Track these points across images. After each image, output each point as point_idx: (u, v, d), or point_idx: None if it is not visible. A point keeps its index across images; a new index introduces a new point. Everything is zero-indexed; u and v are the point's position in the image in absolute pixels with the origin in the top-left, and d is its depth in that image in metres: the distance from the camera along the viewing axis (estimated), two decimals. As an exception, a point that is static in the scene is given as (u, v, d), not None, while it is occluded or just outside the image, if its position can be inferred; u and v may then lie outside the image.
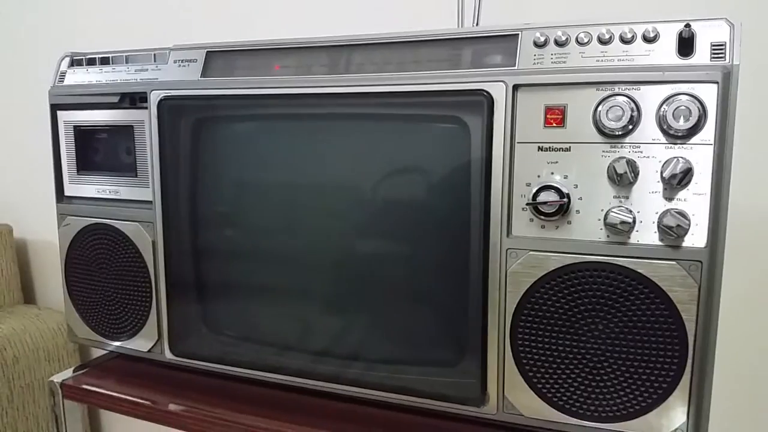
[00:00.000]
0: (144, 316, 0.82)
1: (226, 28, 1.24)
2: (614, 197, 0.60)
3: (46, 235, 1.58)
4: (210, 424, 0.75)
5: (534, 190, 0.62)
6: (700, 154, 0.58)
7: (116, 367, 0.88)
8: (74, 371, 0.87)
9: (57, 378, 0.84)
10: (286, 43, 0.75)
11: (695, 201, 0.58)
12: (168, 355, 0.82)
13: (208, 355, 0.80)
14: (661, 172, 0.58)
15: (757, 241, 0.92)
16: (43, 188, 1.37)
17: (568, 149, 0.61)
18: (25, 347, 1.41)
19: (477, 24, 0.89)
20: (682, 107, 0.57)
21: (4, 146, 1.58)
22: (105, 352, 0.90)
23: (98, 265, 0.84)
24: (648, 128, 0.59)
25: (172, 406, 0.78)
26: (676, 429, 0.61)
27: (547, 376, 0.64)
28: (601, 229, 0.61)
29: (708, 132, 0.57)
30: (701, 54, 0.58)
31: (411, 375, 0.71)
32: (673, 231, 0.58)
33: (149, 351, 0.83)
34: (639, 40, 0.60)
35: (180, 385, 0.82)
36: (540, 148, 0.62)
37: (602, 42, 0.61)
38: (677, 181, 0.57)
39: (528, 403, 0.65)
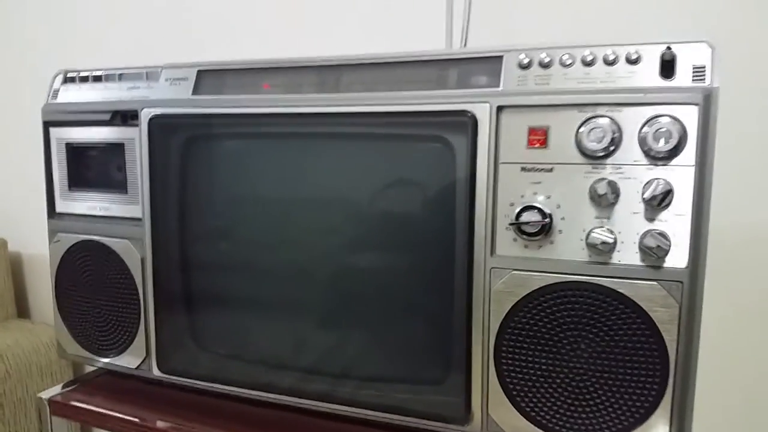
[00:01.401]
0: (132, 333, 0.82)
1: (218, 47, 1.25)
2: (596, 218, 0.61)
3: (40, 249, 1.58)
4: (196, 442, 0.75)
5: (517, 210, 0.63)
6: (680, 175, 0.58)
7: (105, 384, 0.88)
8: (63, 387, 0.87)
9: (45, 395, 0.84)
10: (277, 62, 0.75)
11: (676, 222, 0.59)
12: (156, 372, 0.82)
13: (196, 373, 0.80)
14: (642, 193, 0.59)
15: (740, 262, 0.92)
16: (39, 203, 1.38)
17: (550, 170, 0.62)
18: (17, 362, 1.41)
19: (465, 45, 0.90)
20: (663, 129, 0.58)
21: (0, 161, 1.59)
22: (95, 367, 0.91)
23: (88, 281, 0.85)
24: (629, 149, 0.59)
25: (160, 423, 0.78)
26: (659, 448, 0.61)
27: (530, 394, 0.65)
28: (583, 249, 0.61)
29: (689, 154, 0.58)
30: (683, 76, 0.59)
31: (397, 393, 0.71)
32: (653, 252, 0.58)
33: (137, 368, 0.83)
34: (622, 61, 0.61)
35: (168, 403, 0.82)
36: (523, 169, 0.63)
37: (585, 64, 0.62)
38: (657, 202, 0.58)
39: (511, 422, 0.66)
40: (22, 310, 1.63)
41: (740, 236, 0.92)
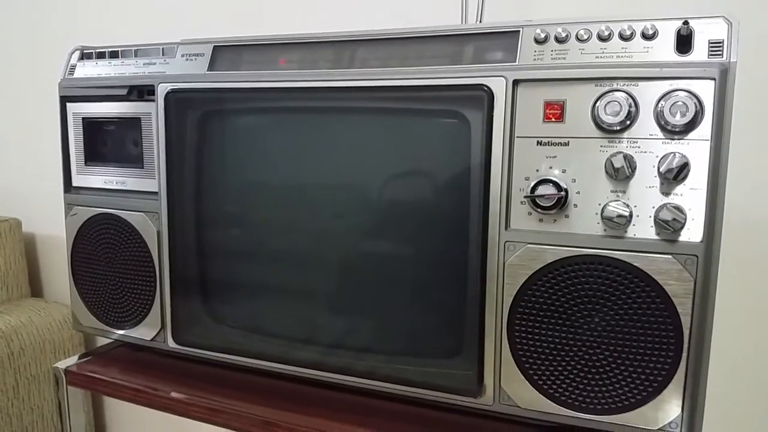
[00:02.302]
0: (148, 305, 0.83)
1: (234, 23, 1.26)
2: (611, 191, 0.61)
3: (54, 229, 1.59)
4: (211, 412, 0.76)
5: (532, 184, 0.63)
6: (696, 149, 0.58)
7: (120, 356, 0.89)
8: (78, 358, 0.88)
9: (61, 364, 0.86)
10: (292, 38, 0.76)
11: (691, 196, 0.59)
12: (171, 343, 0.83)
13: (210, 345, 0.81)
14: (658, 167, 0.59)
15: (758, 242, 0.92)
16: (52, 184, 1.39)
17: (566, 144, 0.62)
18: (31, 339, 1.42)
19: (480, 21, 0.90)
20: (680, 103, 0.58)
21: (14, 143, 1.60)
22: (109, 341, 0.92)
23: (104, 254, 0.86)
24: (646, 124, 0.60)
25: (174, 394, 0.79)
26: (671, 422, 0.62)
27: (543, 367, 0.65)
28: (599, 223, 0.62)
29: (705, 128, 0.58)
30: (699, 51, 0.59)
31: (411, 366, 0.72)
32: (669, 225, 0.58)
33: (152, 339, 0.84)
34: (638, 37, 0.61)
35: (182, 374, 0.83)
36: (539, 143, 0.63)
37: (602, 39, 0.62)
38: (673, 176, 0.58)
39: (524, 395, 0.66)
40: (36, 289, 1.65)
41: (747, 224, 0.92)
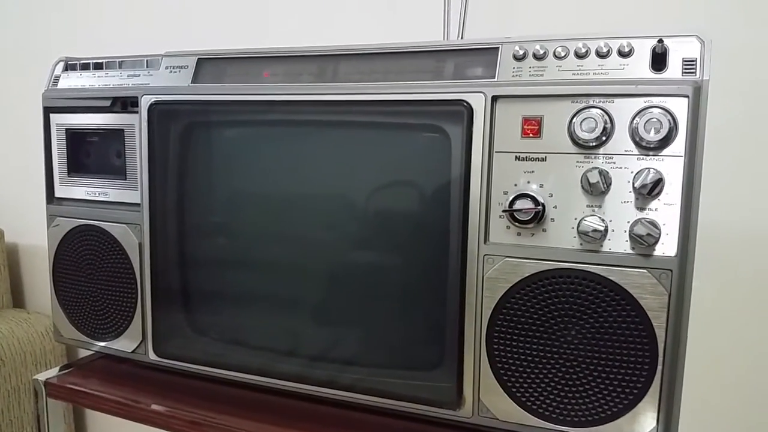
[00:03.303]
0: (129, 317, 0.83)
1: (218, 37, 1.26)
2: (587, 206, 0.62)
3: (36, 240, 1.58)
4: (192, 425, 0.76)
5: (510, 198, 0.64)
6: (670, 165, 0.59)
7: (101, 368, 0.89)
8: (59, 370, 0.88)
9: (41, 376, 0.85)
10: (276, 51, 0.77)
11: (666, 211, 0.60)
12: (152, 356, 0.83)
13: (191, 357, 0.81)
14: (633, 183, 0.60)
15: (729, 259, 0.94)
16: (35, 194, 1.38)
17: (544, 159, 0.63)
18: (12, 350, 1.41)
19: (462, 37, 0.92)
20: (654, 120, 0.59)
21: (-2, 151, 1.60)
22: (91, 353, 0.91)
23: (85, 265, 0.85)
24: (621, 140, 0.61)
25: (155, 406, 0.79)
26: (646, 434, 0.62)
27: (521, 380, 0.66)
28: (575, 237, 0.63)
29: (678, 144, 0.59)
30: (673, 69, 0.60)
31: (392, 379, 0.72)
32: (643, 240, 0.59)
33: (133, 351, 0.84)
34: (614, 54, 0.62)
35: (163, 386, 0.83)
36: (517, 158, 0.64)
37: (579, 56, 0.63)
38: (648, 191, 0.59)
39: (502, 407, 0.67)
40: (18, 300, 1.64)
41: (727, 234, 0.93)
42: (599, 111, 0.61)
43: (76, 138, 0.86)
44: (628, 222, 0.61)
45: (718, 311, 0.95)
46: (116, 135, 0.83)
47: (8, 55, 1.55)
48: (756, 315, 0.94)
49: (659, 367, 0.61)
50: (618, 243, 0.61)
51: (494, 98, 0.64)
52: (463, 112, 0.65)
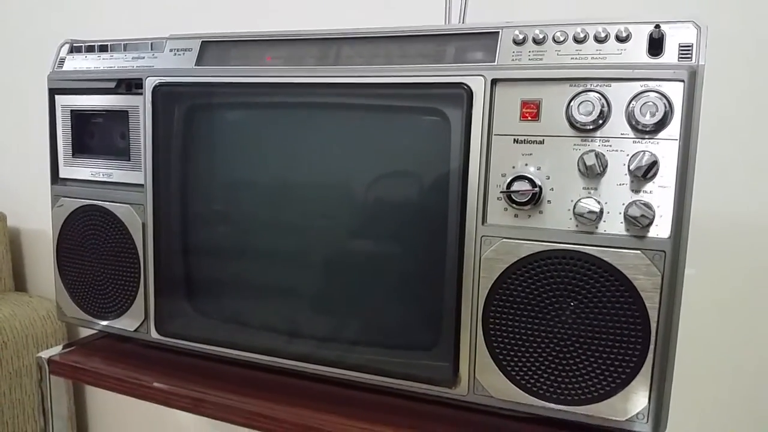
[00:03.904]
0: (132, 296, 0.84)
1: (222, 20, 1.27)
2: (584, 188, 0.63)
3: (39, 224, 1.60)
4: (194, 401, 0.77)
5: (508, 180, 0.65)
6: (665, 148, 0.61)
7: (103, 346, 0.90)
8: (62, 349, 0.89)
9: (44, 354, 0.86)
10: (279, 35, 0.78)
11: (660, 193, 0.61)
12: (154, 334, 0.84)
13: (193, 336, 0.82)
14: (629, 165, 0.61)
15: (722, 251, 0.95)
16: (38, 178, 1.40)
17: (541, 142, 0.64)
18: (14, 333, 1.42)
19: (463, 21, 0.93)
20: (650, 103, 0.60)
21: (0, 137, 1.61)
22: (93, 333, 0.93)
23: (89, 245, 0.87)
24: (617, 123, 0.62)
25: (157, 384, 0.80)
26: (638, 413, 0.64)
27: (516, 359, 0.67)
28: (571, 219, 0.64)
29: (674, 128, 0.60)
30: (670, 54, 0.61)
31: (389, 358, 0.73)
32: (637, 221, 0.61)
33: (135, 330, 0.85)
34: (612, 39, 0.63)
35: (165, 365, 0.84)
36: (515, 141, 0.65)
37: (577, 41, 0.64)
38: (643, 173, 0.60)
39: (497, 385, 0.68)
40: (20, 283, 1.65)
41: (721, 223, 0.94)
42: (596, 95, 0.62)
43: (80, 119, 0.87)
44: (623, 204, 0.62)
45: (711, 299, 0.96)
46: (120, 116, 0.84)
47: (8, 39, 1.56)
48: (749, 303, 0.95)
49: (651, 347, 0.62)
50: (613, 225, 0.62)
51: (494, 81, 0.65)
52: (463, 95, 0.66)
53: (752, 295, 0.95)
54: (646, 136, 0.61)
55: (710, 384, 0.98)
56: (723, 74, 0.85)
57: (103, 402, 1.58)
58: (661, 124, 0.60)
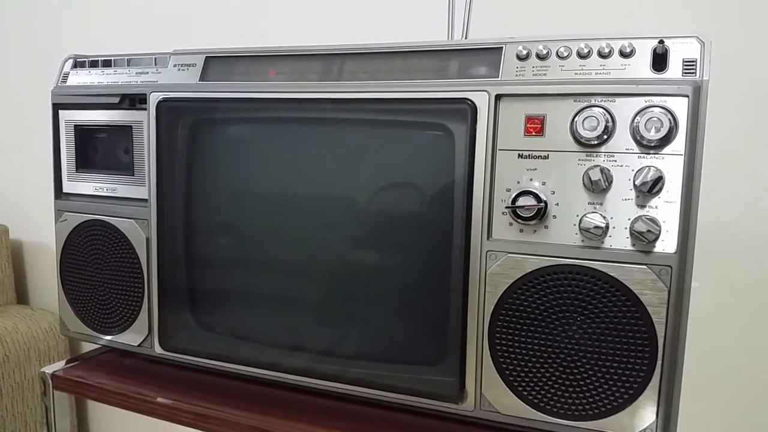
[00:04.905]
0: (135, 311, 0.84)
1: (225, 35, 1.28)
2: (589, 203, 0.63)
3: (41, 237, 1.60)
4: (198, 417, 0.77)
5: (513, 195, 0.65)
6: (671, 163, 0.61)
7: (107, 361, 0.90)
8: (65, 364, 0.89)
9: (48, 369, 0.86)
10: (282, 50, 0.78)
11: (666, 208, 0.61)
12: (158, 349, 0.84)
13: (197, 351, 0.82)
14: (634, 181, 0.61)
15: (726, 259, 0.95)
16: (40, 191, 1.40)
17: (546, 157, 0.64)
18: (16, 346, 1.42)
19: (466, 36, 0.93)
20: (655, 119, 0.60)
21: (3, 150, 1.61)
22: (96, 347, 0.92)
23: (93, 260, 0.87)
24: (622, 138, 0.62)
25: (161, 399, 0.80)
26: (646, 428, 0.63)
27: (523, 374, 0.67)
28: (576, 234, 0.64)
29: (679, 143, 0.60)
30: (674, 69, 0.61)
31: (395, 373, 0.73)
32: (644, 236, 0.60)
33: (139, 345, 0.85)
34: (616, 54, 0.63)
35: (169, 380, 0.84)
36: (520, 156, 0.65)
37: (581, 56, 0.64)
38: (648, 188, 0.60)
39: (504, 401, 0.68)
40: (22, 296, 1.65)
41: (726, 235, 0.94)
42: (601, 110, 0.62)
43: (84, 134, 0.88)
44: (629, 219, 0.62)
45: (717, 312, 0.96)
46: (124, 131, 0.84)
47: (11, 53, 1.56)
48: (755, 315, 0.95)
49: (659, 362, 0.62)
50: (619, 240, 0.62)
51: (498, 97, 0.65)
52: (467, 111, 0.66)
53: (751, 304, 0.95)
54: (651, 152, 0.61)
55: (709, 393, 0.98)
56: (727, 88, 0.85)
57: (106, 416, 1.58)
58: (666, 139, 0.60)
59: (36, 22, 1.52)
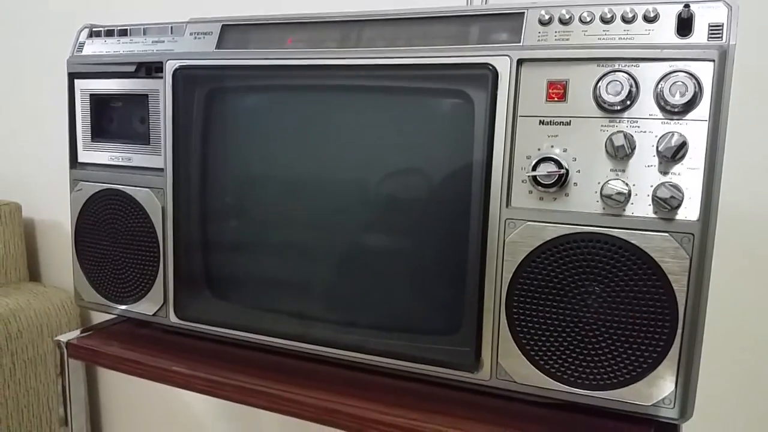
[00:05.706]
0: (150, 281, 0.84)
1: (242, 4, 1.26)
2: (611, 170, 0.62)
3: (53, 215, 1.60)
4: (212, 384, 0.77)
5: (534, 162, 0.64)
6: (695, 129, 0.60)
7: (121, 331, 0.90)
8: (81, 333, 0.89)
9: (63, 338, 0.86)
10: (300, 17, 0.77)
11: (689, 175, 0.60)
12: (173, 318, 0.84)
13: (211, 320, 0.82)
14: (657, 147, 0.60)
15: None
16: (53, 168, 1.40)
17: (568, 123, 0.64)
18: (29, 322, 1.43)
19: (486, 2, 0.92)
20: (679, 83, 0.59)
21: (16, 128, 1.61)
22: (111, 317, 0.93)
23: (108, 229, 0.87)
24: (646, 104, 0.61)
25: (175, 367, 0.80)
26: (665, 398, 0.63)
27: (540, 343, 0.66)
28: (598, 201, 0.63)
29: (703, 109, 0.59)
30: (699, 34, 0.60)
31: (411, 342, 0.73)
32: (666, 203, 0.60)
33: (154, 315, 0.85)
34: (640, 19, 0.62)
35: (183, 349, 0.84)
36: (541, 122, 0.65)
37: (604, 21, 0.63)
38: (671, 155, 0.59)
39: (521, 370, 0.67)
40: (34, 274, 1.65)
41: (743, 216, 0.93)
42: (625, 75, 0.61)
43: (100, 103, 0.87)
44: (651, 186, 0.61)
45: (732, 293, 0.95)
46: (140, 100, 0.84)
47: (27, 29, 1.56)
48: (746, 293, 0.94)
49: (679, 331, 0.62)
50: (641, 207, 0.62)
51: (520, 62, 0.64)
52: (488, 76, 0.65)
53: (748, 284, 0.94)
54: (675, 117, 0.60)
55: (729, 363, 0.97)
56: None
57: (116, 390, 1.58)
58: (691, 104, 0.59)
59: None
